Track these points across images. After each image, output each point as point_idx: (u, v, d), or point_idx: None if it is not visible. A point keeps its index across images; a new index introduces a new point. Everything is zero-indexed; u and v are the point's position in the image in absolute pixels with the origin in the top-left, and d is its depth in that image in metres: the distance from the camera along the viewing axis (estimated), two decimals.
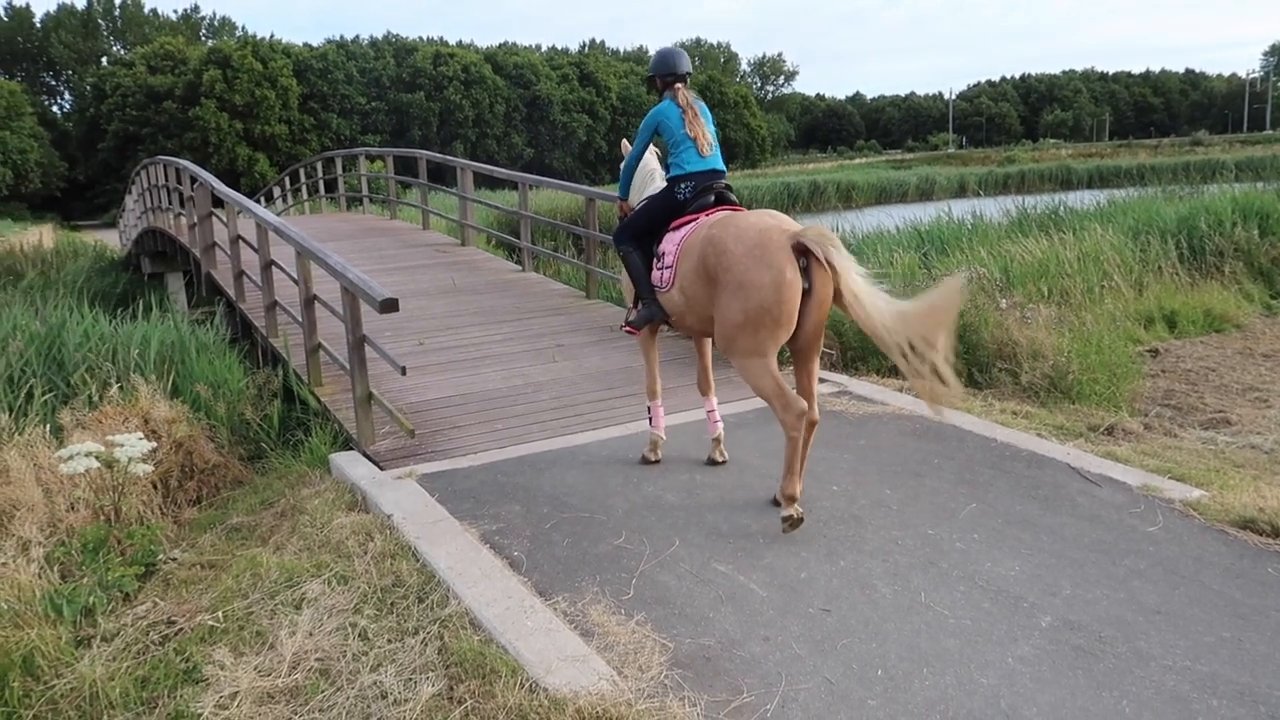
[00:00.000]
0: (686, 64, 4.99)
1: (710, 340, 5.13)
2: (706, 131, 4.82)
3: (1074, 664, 3.21)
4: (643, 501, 4.69)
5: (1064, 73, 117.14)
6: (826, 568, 3.94)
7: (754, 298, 4.11)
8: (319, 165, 19.45)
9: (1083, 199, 17.27)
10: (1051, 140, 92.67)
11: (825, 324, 4.31)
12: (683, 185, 4.76)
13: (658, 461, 5.22)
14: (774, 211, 4.44)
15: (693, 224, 4.61)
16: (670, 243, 4.66)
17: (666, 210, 4.80)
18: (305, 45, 62.08)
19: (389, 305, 5.18)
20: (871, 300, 4.06)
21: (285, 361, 7.07)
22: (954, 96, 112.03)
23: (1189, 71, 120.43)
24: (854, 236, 14.15)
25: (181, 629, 3.90)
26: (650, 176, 5.29)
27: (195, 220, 10.89)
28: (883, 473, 4.95)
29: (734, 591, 3.76)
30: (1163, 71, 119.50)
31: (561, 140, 67.48)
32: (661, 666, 3.25)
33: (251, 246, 8.37)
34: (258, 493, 5.51)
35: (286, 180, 21.86)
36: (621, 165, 5.43)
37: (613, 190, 7.20)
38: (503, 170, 12.29)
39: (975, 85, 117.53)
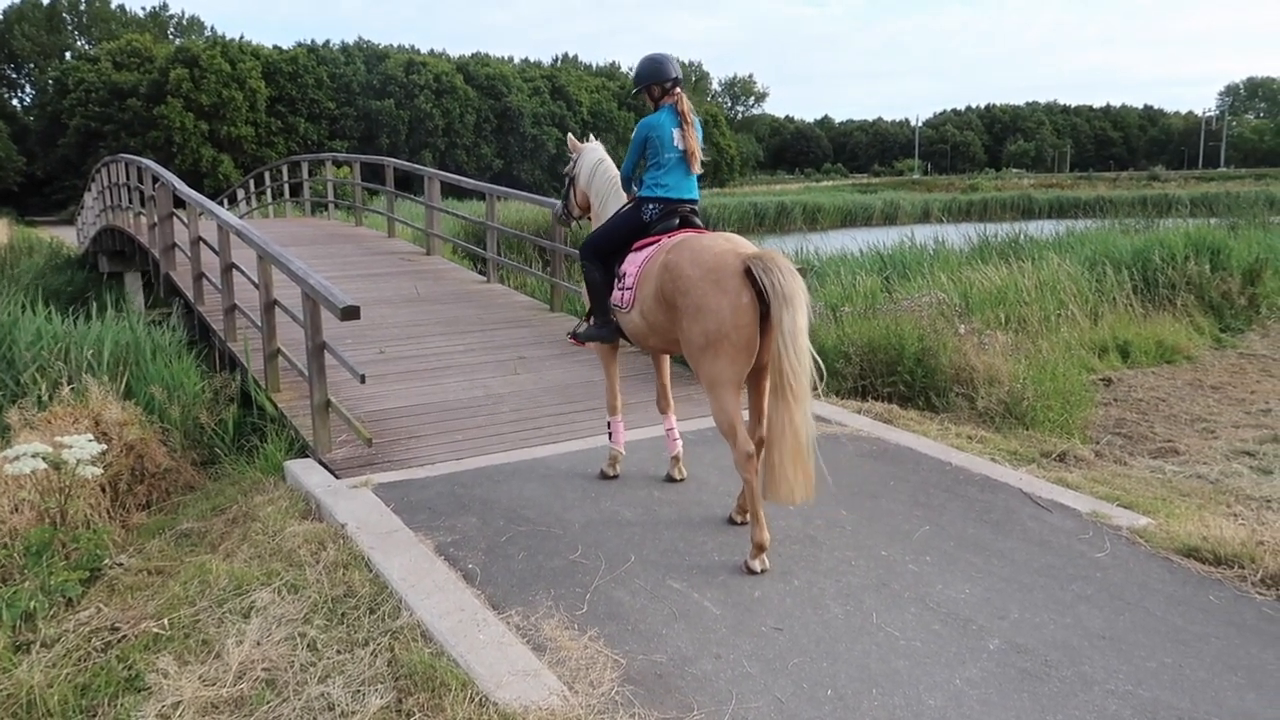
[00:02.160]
0: (677, 67, 4.78)
1: (668, 359, 5.16)
2: (698, 146, 4.70)
3: (1020, 687, 3.25)
4: (600, 517, 4.68)
5: (1028, 104, 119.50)
6: (780, 586, 3.96)
7: (711, 321, 4.09)
8: (285, 169, 19.26)
9: (1043, 228, 17.61)
10: (1014, 170, 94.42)
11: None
12: (650, 206, 4.69)
13: (616, 477, 5.22)
14: (731, 235, 4.44)
15: (655, 246, 4.55)
16: (632, 264, 4.61)
17: (631, 230, 4.74)
18: (275, 48, 61.56)
19: (350, 312, 5.14)
20: (805, 342, 3.98)
21: (243, 366, 6.98)
22: (920, 123, 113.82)
23: (1148, 107, 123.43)
24: (818, 258, 14.31)
25: (125, 636, 3.83)
26: (607, 178, 5.14)
27: (156, 220, 10.74)
28: (839, 493, 4.98)
29: (688, 609, 3.77)
30: (1123, 106, 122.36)
31: (531, 152, 67.44)
32: (613, 682, 3.25)
33: (212, 249, 8.27)
34: (209, 498, 5.42)
35: (251, 183, 21.62)
36: (561, 175, 5.41)
37: None
38: (470, 180, 12.28)
39: (941, 113, 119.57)
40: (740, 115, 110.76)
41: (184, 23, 74.73)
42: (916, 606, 3.80)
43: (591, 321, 4.97)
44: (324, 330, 5.70)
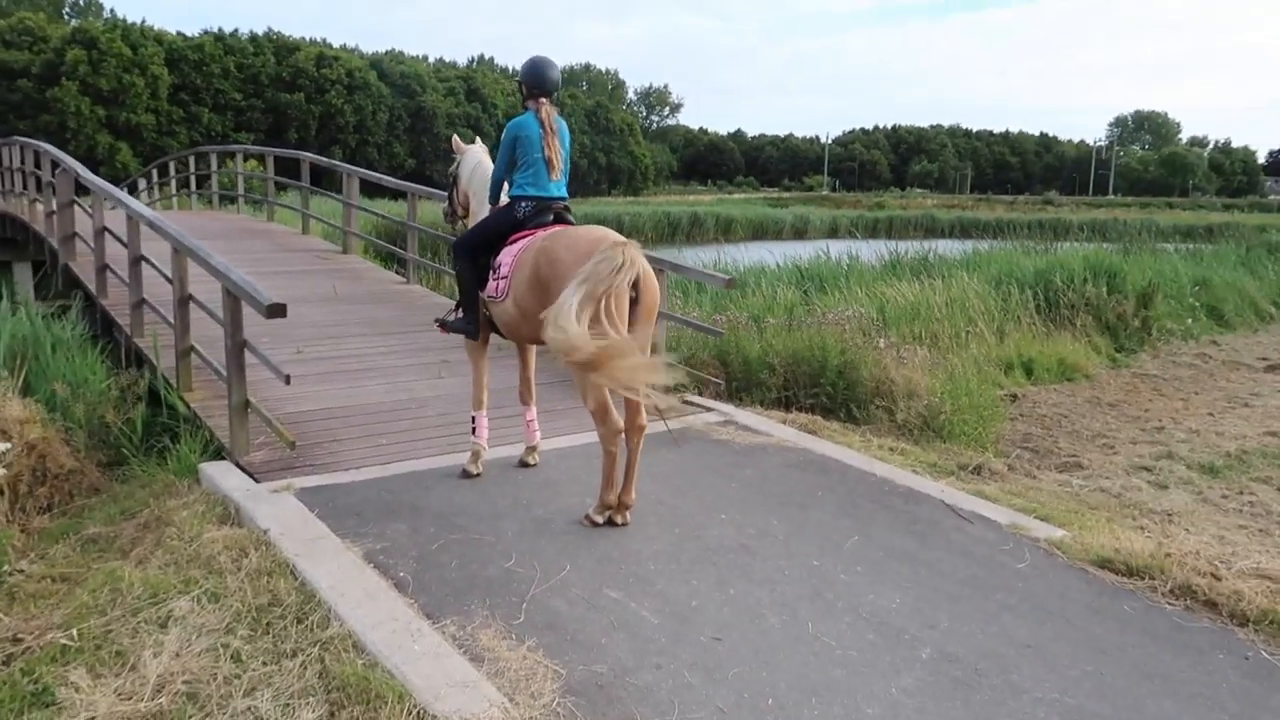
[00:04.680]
0: (556, 77, 5.00)
1: (534, 350, 5.40)
2: (560, 155, 4.95)
3: (953, 695, 3.32)
4: (533, 525, 4.63)
5: (932, 126, 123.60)
6: (717, 596, 3.97)
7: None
8: (191, 159, 18.51)
9: (948, 247, 18.17)
10: (918, 189, 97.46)
11: (652, 332, 4.61)
12: (523, 204, 4.91)
13: (479, 474, 5.24)
14: (603, 227, 4.72)
15: (529, 238, 4.79)
16: (507, 255, 4.83)
17: (505, 226, 4.94)
18: (179, 34, 59.39)
19: (276, 310, 4.97)
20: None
21: (152, 364, 6.67)
22: (829, 141, 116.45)
23: (1043, 134, 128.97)
24: (736, 269, 14.47)
25: (29, 648, 3.61)
26: (482, 179, 5.31)
27: (54, 208, 10.20)
28: (769, 503, 5.04)
29: (626, 618, 3.75)
30: (1020, 133, 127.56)
31: (445, 153, 66.06)
32: (554, 694, 3.20)
33: (119, 240, 7.89)
34: (118, 502, 5.16)
35: (154, 172, 20.73)
36: (445, 173, 5.75)
37: None
38: (391, 179, 12.03)
39: (850, 132, 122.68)
40: (655, 125, 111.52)
41: (80, 3, 71.45)
42: (850, 616, 3.86)
43: (459, 313, 5.15)
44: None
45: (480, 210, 5.32)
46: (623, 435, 4.54)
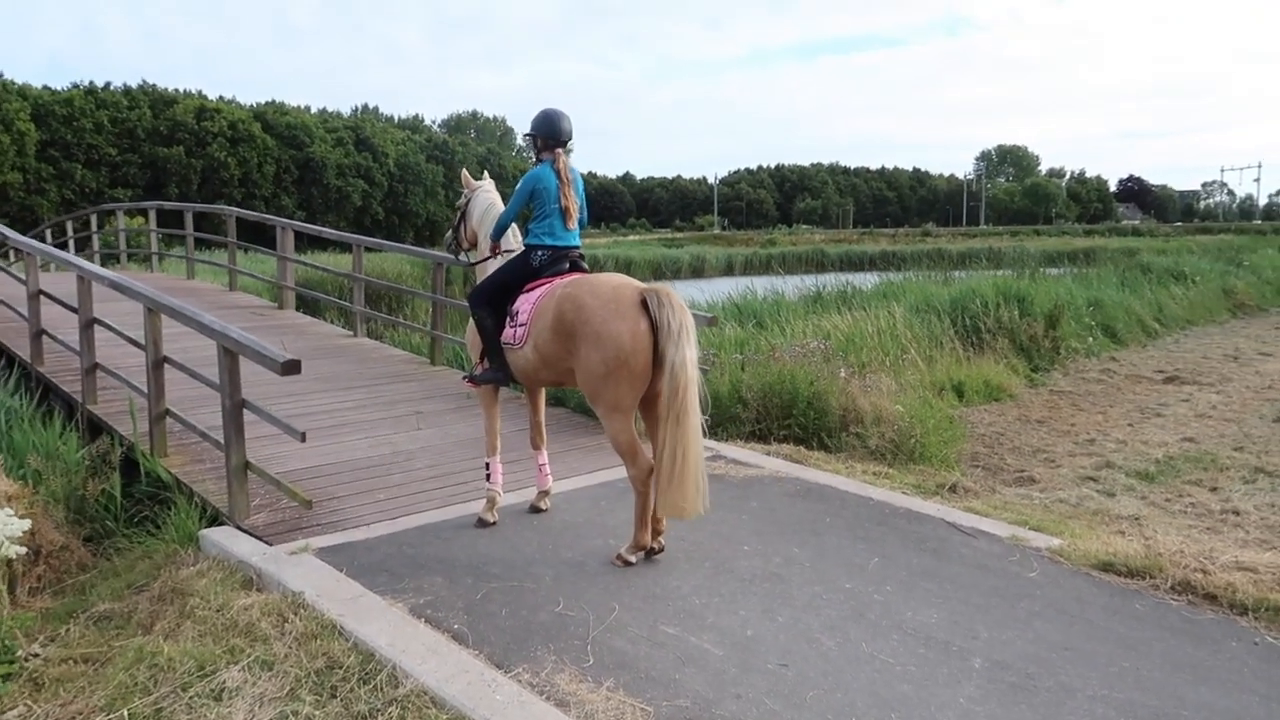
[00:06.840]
0: (569, 128, 5.12)
1: (544, 395, 5.52)
2: (576, 204, 5.08)
3: (1016, 700, 3.50)
4: (567, 568, 4.65)
5: (813, 165, 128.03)
6: (768, 624, 4.08)
7: (611, 347, 4.43)
8: (94, 218, 17.68)
9: (861, 279, 18.82)
10: (805, 226, 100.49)
11: None
12: (539, 253, 5.00)
13: (495, 523, 5.24)
14: (621, 275, 4.84)
15: (547, 286, 4.86)
16: (525, 303, 4.90)
17: (521, 275, 5.03)
18: (46, 88, 56.89)
19: (291, 367, 4.88)
20: (693, 372, 4.42)
21: (116, 431, 6.40)
22: (717, 181, 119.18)
23: (916, 169, 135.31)
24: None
25: None
26: (493, 220, 5.38)
27: None
28: (784, 532, 5.18)
29: (690, 652, 3.81)
30: (895, 168, 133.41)
31: (335, 204, 65.37)
32: None
33: (61, 303, 7.57)
34: (120, 576, 4.93)
35: (48, 234, 19.69)
36: (462, 215, 5.67)
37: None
38: (334, 231, 11.82)
39: (736, 172, 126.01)
40: None
41: None
42: (898, 633, 4.02)
43: (484, 364, 5.18)
44: (229, 388, 5.36)
45: (482, 245, 5.39)
46: (654, 473, 4.59)
